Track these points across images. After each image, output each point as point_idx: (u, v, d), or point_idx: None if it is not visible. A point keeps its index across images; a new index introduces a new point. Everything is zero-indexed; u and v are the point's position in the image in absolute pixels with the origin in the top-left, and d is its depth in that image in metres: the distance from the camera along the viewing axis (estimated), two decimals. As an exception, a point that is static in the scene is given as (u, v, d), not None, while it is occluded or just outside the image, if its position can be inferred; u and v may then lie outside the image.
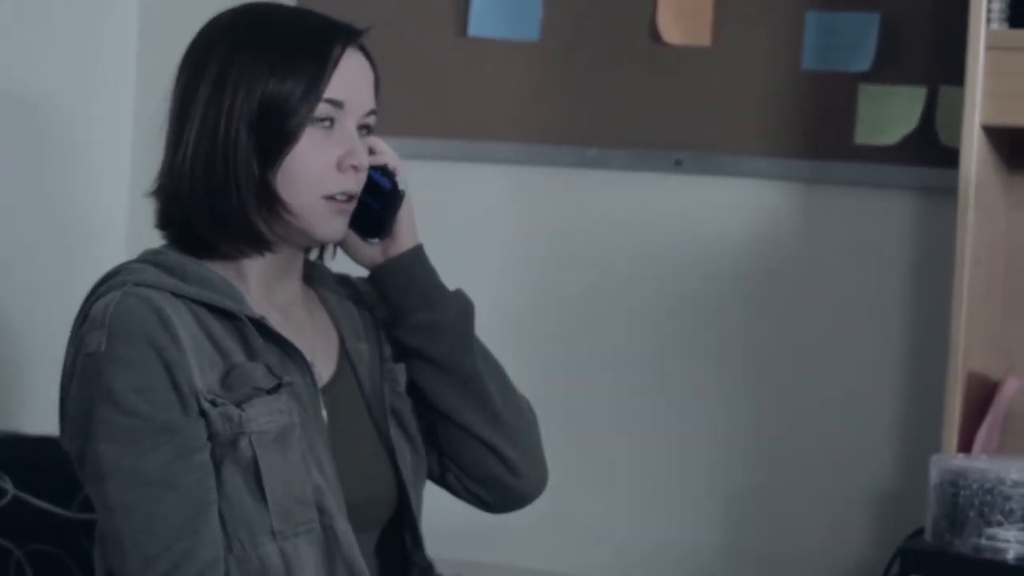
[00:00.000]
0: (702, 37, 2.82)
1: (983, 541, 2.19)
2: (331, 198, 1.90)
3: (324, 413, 1.92)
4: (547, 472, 2.11)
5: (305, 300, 2.02)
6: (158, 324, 1.80)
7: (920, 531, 2.30)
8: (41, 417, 2.60)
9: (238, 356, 1.87)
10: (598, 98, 2.87)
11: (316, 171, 1.89)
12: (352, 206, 1.93)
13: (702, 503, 2.83)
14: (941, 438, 2.40)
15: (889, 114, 2.71)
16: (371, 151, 1.97)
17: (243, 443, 1.83)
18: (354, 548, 1.88)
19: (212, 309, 1.87)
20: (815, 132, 2.76)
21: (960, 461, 2.27)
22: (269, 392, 1.85)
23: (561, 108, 2.89)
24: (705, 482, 2.84)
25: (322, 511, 1.86)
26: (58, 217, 2.96)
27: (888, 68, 2.71)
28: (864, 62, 2.72)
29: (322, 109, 1.88)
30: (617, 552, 2.88)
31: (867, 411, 2.73)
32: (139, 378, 1.79)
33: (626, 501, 2.88)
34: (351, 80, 1.92)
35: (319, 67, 1.88)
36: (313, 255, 2.05)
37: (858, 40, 2.73)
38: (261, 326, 1.88)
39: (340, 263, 2.07)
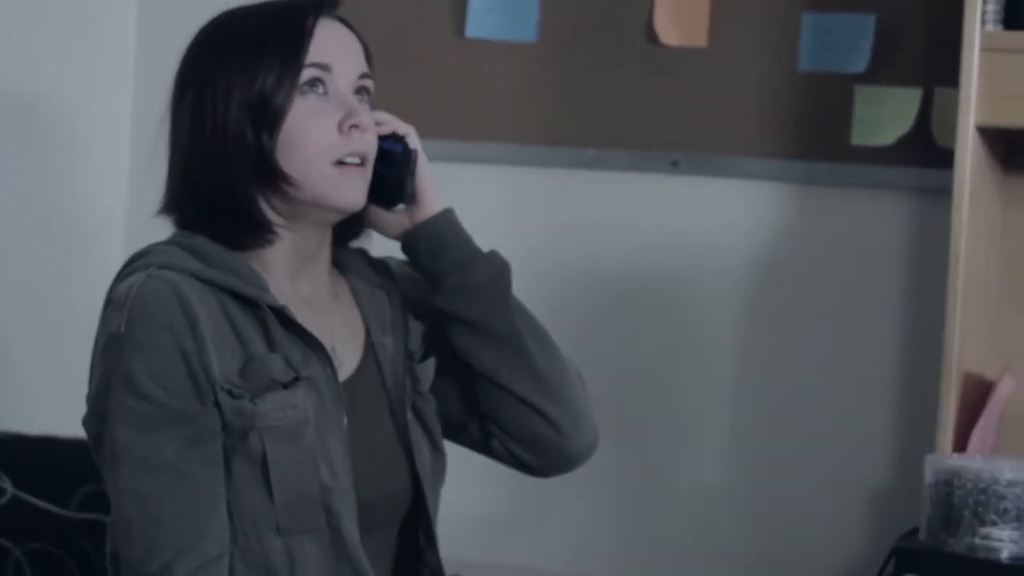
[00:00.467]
0: (699, 38, 2.82)
1: (977, 540, 2.20)
2: (341, 163, 1.88)
3: (343, 409, 1.90)
4: (596, 433, 2.03)
5: (333, 290, 1.99)
6: (179, 310, 1.79)
7: (915, 530, 2.31)
8: (40, 417, 2.61)
9: (258, 346, 1.86)
10: (595, 99, 2.87)
11: (317, 138, 1.87)
12: (366, 170, 1.90)
13: (698, 502, 2.84)
14: (936, 438, 2.41)
15: (885, 115, 2.72)
16: (377, 124, 1.95)
17: (253, 437, 1.82)
18: (360, 550, 1.86)
19: (235, 296, 1.86)
20: (811, 133, 2.76)
21: (954, 461, 2.27)
22: (286, 386, 1.84)
23: (558, 109, 2.89)
24: (700, 481, 2.84)
25: (329, 511, 1.85)
26: (57, 217, 2.97)
27: (884, 69, 2.72)
28: (860, 63, 2.73)
29: (307, 74, 1.87)
30: (613, 551, 2.89)
31: (863, 411, 2.74)
32: (156, 364, 1.79)
33: (621, 500, 2.88)
34: (332, 44, 1.90)
35: (293, 38, 1.87)
36: (353, 243, 2.02)
37: (854, 41, 2.73)
38: (283, 316, 1.87)
39: (382, 247, 2.04)
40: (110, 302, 1.85)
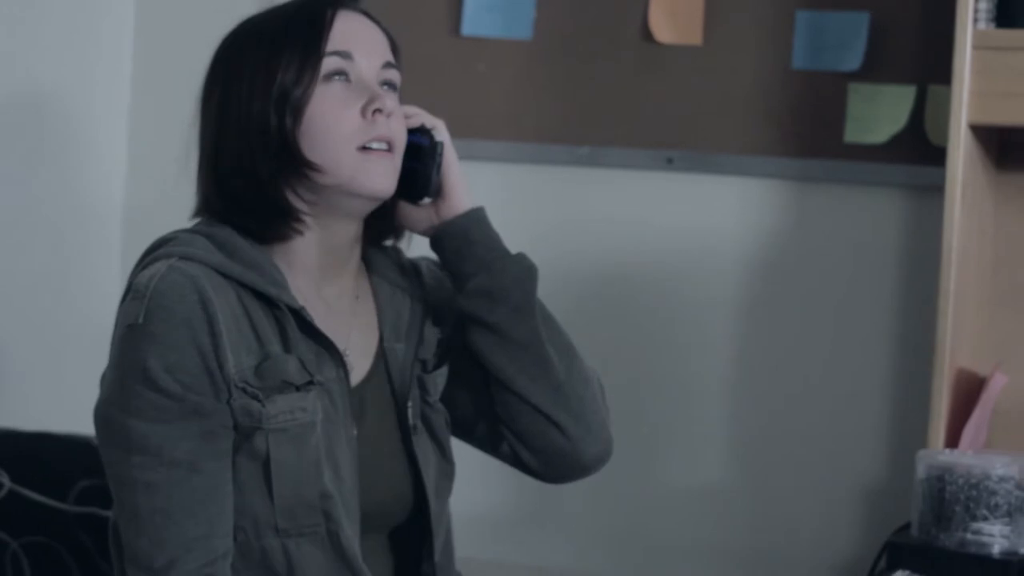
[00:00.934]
0: (693, 36, 2.83)
1: (969, 535, 2.20)
2: (366, 148, 1.87)
3: (353, 415, 1.90)
4: (610, 446, 2.01)
5: (355, 291, 1.97)
6: (198, 305, 1.79)
7: (907, 526, 2.31)
8: (38, 413, 2.62)
9: (274, 346, 1.85)
10: (590, 97, 2.88)
11: (341, 124, 1.86)
12: (394, 157, 1.89)
13: (693, 498, 2.85)
14: (928, 433, 2.41)
15: (878, 113, 2.72)
16: (407, 117, 1.94)
17: (259, 437, 1.82)
18: (358, 558, 1.86)
19: (255, 293, 1.85)
20: (805, 131, 2.77)
21: (946, 456, 2.28)
22: (298, 388, 1.84)
23: (554, 107, 2.90)
24: (696, 477, 2.85)
25: (328, 517, 1.84)
26: (55, 213, 2.97)
27: (877, 67, 2.73)
28: (854, 61, 2.74)
29: (329, 63, 1.87)
30: (609, 548, 2.89)
31: (856, 407, 2.75)
32: (172, 358, 1.78)
33: (617, 497, 2.89)
34: (353, 33, 1.90)
35: (313, 28, 1.88)
36: (390, 243, 2.02)
37: (848, 39, 2.74)
38: (300, 318, 1.86)
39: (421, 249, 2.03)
40: (130, 289, 1.84)
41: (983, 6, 2.40)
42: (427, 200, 1.95)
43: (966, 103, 2.40)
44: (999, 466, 2.22)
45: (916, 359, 2.65)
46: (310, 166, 1.86)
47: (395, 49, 1.96)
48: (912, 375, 2.68)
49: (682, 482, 2.86)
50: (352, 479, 1.87)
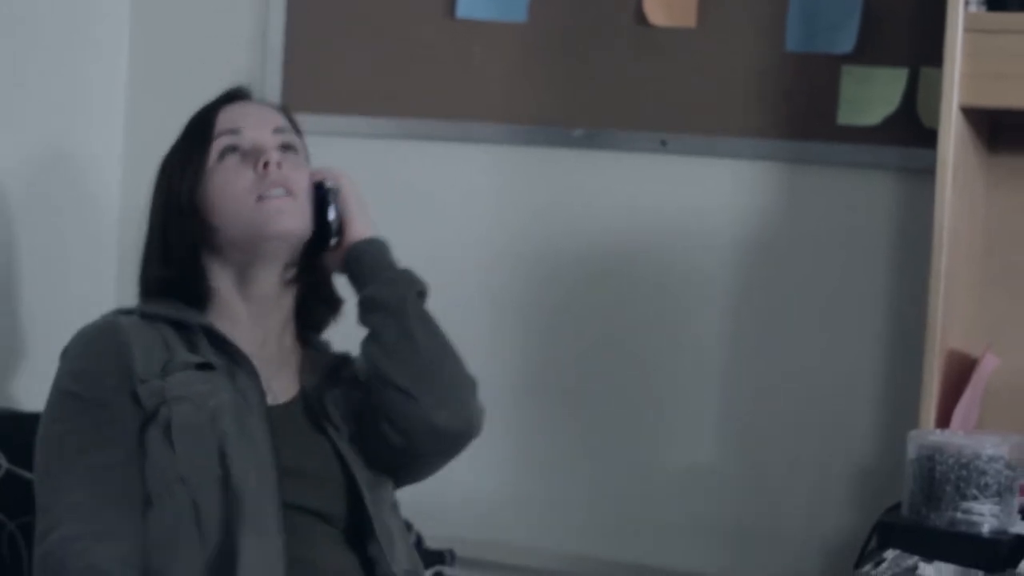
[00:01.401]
0: (687, 19, 2.84)
1: (959, 515, 2.21)
2: (263, 198, 2.17)
3: (265, 406, 2.13)
4: (472, 423, 2.21)
5: (293, 352, 2.28)
6: (111, 330, 2.13)
7: (898, 505, 2.31)
8: (35, 394, 2.63)
9: (183, 354, 2.13)
10: (584, 79, 2.89)
11: (236, 185, 2.18)
12: (295, 199, 2.19)
13: (685, 478, 2.86)
14: (919, 414, 2.42)
15: (871, 95, 2.73)
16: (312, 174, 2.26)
17: (164, 409, 2.08)
18: (264, 510, 2.03)
19: (173, 325, 2.17)
20: (798, 113, 2.77)
21: (937, 436, 2.28)
22: (198, 368, 2.12)
23: (548, 89, 2.91)
24: (688, 457, 2.86)
25: (224, 457, 2.05)
26: (54, 211, 2.99)
27: (870, 50, 2.73)
28: (847, 44, 2.74)
29: (219, 143, 2.22)
30: (602, 527, 2.90)
31: (848, 387, 2.76)
32: (82, 365, 2.11)
33: (610, 477, 2.90)
34: (240, 115, 2.24)
35: (204, 122, 2.24)
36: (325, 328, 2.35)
37: (841, 22, 2.75)
38: (212, 334, 2.15)
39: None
40: None
41: (975, -11, 2.41)
42: (334, 241, 2.25)
43: (957, 85, 2.40)
44: (989, 446, 2.22)
45: (908, 340, 2.66)
46: (216, 229, 2.18)
47: (289, 118, 2.31)
48: (904, 355, 2.68)
49: (675, 461, 2.87)
50: (267, 449, 2.08)
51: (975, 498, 2.21)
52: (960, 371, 2.51)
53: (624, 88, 2.87)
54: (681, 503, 2.86)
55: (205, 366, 2.13)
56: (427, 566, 2.67)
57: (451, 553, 2.78)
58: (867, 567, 2.18)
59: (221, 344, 2.17)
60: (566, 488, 2.92)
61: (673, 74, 2.84)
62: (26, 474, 2.30)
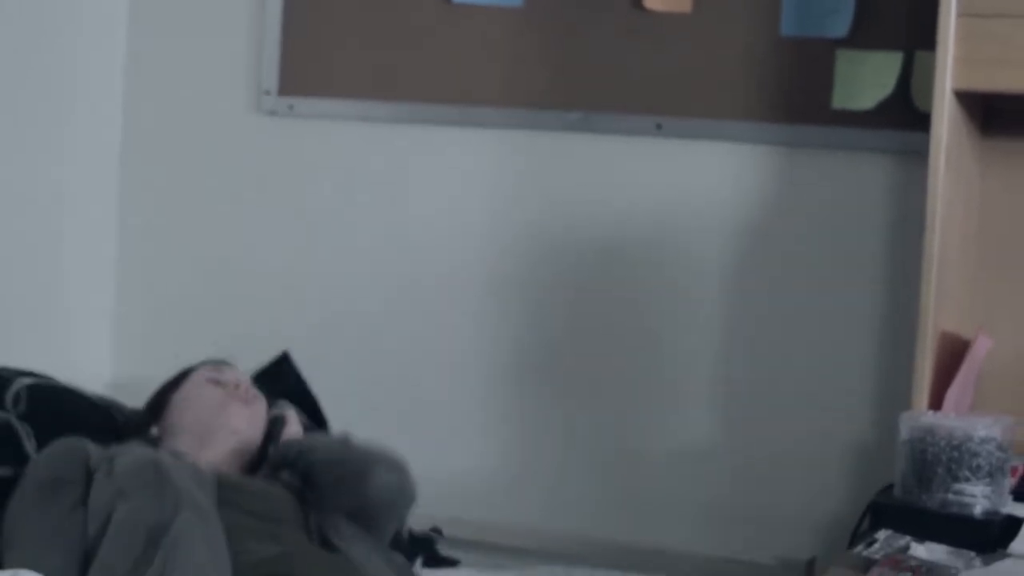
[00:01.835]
0: (683, 4, 2.84)
1: (950, 496, 2.22)
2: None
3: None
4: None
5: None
6: (75, 442, 2.36)
7: (891, 486, 2.33)
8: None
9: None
10: (580, 63, 2.89)
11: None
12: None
13: (681, 458, 2.87)
14: (912, 396, 2.43)
15: (866, 79, 2.74)
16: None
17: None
18: (185, 497, 2.24)
19: None
20: (793, 97, 2.78)
21: (929, 418, 2.29)
22: (145, 441, 2.49)
23: (544, 73, 2.91)
24: (681, 438, 2.87)
25: (159, 471, 2.28)
26: (52, 210, 3.00)
27: (865, 34, 2.74)
28: (841, 28, 2.75)
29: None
30: (599, 506, 2.92)
31: (842, 369, 2.77)
32: (47, 462, 2.34)
33: (608, 456, 2.92)
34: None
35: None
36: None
37: (836, 6, 2.75)
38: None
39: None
40: None
41: (968, -28, 2.41)
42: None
43: (951, 69, 2.41)
44: (981, 428, 2.24)
45: (901, 322, 2.67)
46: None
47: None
48: (897, 338, 2.69)
49: (670, 443, 2.88)
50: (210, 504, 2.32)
51: (967, 479, 2.22)
52: (953, 353, 2.52)
53: (620, 72, 2.87)
54: (676, 484, 2.87)
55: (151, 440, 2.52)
56: (415, 552, 2.69)
57: (437, 531, 2.79)
58: (860, 547, 2.19)
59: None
60: (560, 469, 2.93)
61: (668, 58, 2.85)
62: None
